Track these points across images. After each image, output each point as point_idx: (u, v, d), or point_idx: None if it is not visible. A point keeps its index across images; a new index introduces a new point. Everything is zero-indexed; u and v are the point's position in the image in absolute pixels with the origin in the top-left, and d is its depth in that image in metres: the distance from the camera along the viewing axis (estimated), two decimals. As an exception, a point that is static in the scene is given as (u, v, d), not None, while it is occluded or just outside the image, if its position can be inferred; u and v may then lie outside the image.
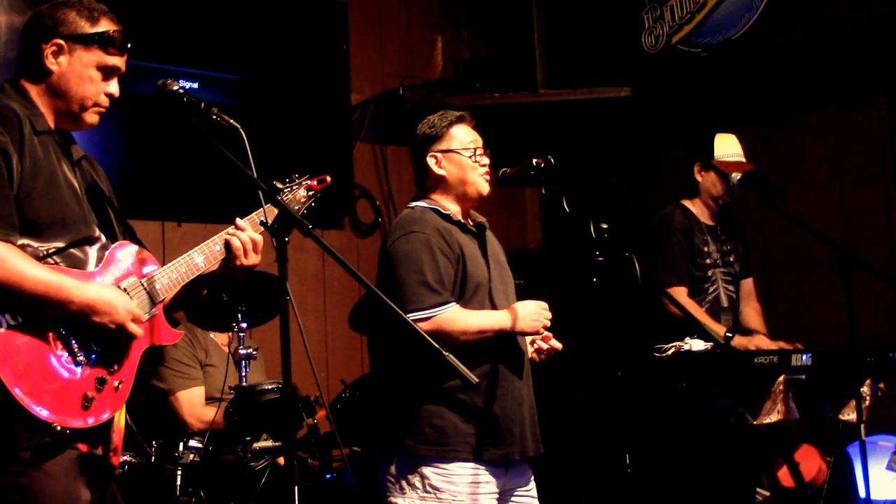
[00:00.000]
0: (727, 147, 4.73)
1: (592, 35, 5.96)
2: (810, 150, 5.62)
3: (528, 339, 3.41)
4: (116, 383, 2.58)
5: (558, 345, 3.36)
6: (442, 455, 3.18)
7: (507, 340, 3.29)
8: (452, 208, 3.43)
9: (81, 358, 2.51)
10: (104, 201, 2.78)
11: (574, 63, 5.88)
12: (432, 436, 3.19)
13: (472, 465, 3.20)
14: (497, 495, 3.27)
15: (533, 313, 3.28)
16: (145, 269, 2.72)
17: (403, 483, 3.21)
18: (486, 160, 3.47)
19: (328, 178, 3.10)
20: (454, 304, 3.23)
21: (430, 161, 3.43)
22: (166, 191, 5.06)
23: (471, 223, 3.49)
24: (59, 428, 2.42)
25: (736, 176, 4.54)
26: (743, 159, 4.73)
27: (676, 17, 5.64)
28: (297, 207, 3.01)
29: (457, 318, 3.20)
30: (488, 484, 3.22)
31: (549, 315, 3.30)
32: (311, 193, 3.07)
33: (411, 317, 3.09)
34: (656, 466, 4.23)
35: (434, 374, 3.16)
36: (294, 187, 3.04)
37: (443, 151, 3.43)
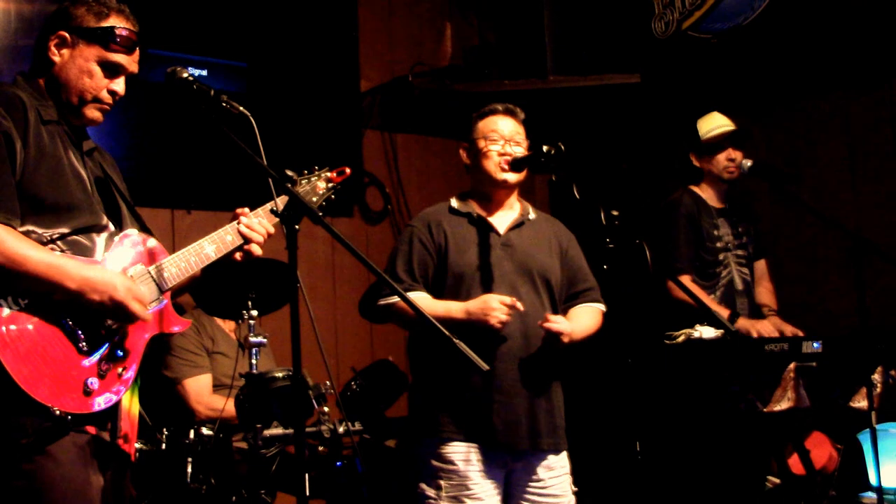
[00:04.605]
0: (709, 124, 4.76)
1: (602, 21, 5.93)
2: (822, 136, 5.59)
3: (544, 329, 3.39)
4: (120, 370, 2.58)
5: (555, 327, 3.34)
6: (436, 436, 3.34)
7: (488, 331, 3.30)
8: (474, 199, 3.53)
9: (84, 344, 2.52)
10: (115, 192, 2.78)
11: (584, 49, 5.86)
12: (427, 420, 3.37)
13: (465, 444, 3.32)
14: (497, 479, 3.34)
15: (485, 307, 3.28)
16: (154, 258, 2.72)
17: (420, 467, 3.37)
18: (496, 147, 3.47)
19: (347, 170, 3.11)
20: (419, 291, 3.39)
21: (461, 153, 3.59)
22: (176, 178, 5.06)
23: (485, 213, 3.54)
24: (58, 412, 2.42)
25: (747, 163, 4.53)
26: (729, 126, 4.71)
27: (686, 2, 5.60)
28: (315, 199, 3.02)
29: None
30: (483, 463, 3.32)
31: (505, 310, 3.28)
32: (330, 185, 3.08)
33: (381, 303, 3.42)
34: (667, 454, 4.22)
35: (431, 362, 3.36)
36: (312, 179, 3.04)
37: (468, 143, 3.58)
